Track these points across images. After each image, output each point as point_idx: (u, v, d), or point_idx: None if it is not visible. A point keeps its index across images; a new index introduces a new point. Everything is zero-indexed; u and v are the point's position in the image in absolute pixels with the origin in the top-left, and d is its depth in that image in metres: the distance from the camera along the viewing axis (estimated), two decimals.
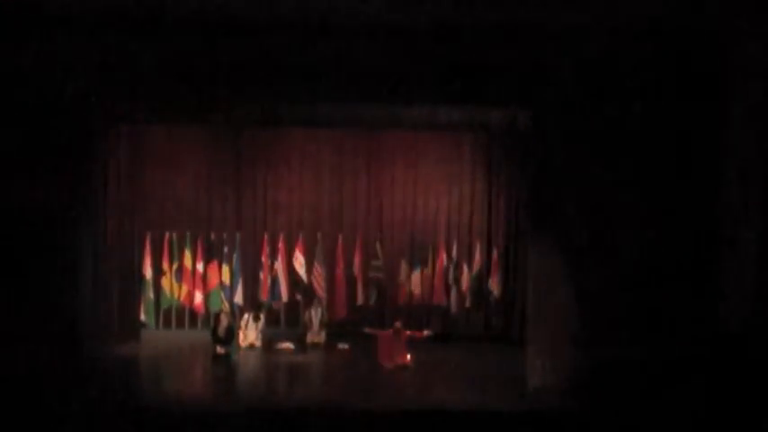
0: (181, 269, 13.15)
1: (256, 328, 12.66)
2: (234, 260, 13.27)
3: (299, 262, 13.31)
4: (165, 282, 13.09)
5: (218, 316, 12.39)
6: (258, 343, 12.62)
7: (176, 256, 13.17)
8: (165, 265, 13.09)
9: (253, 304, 13.20)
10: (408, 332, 11.54)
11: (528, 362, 10.02)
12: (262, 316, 12.82)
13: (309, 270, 13.31)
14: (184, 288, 13.16)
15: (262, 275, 13.30)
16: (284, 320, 13.55)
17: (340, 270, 13.37)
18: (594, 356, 9.40)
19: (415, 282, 13.45)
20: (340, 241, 13.44)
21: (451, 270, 13.54)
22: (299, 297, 13.37)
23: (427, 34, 9.13)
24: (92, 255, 10.69)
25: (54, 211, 9.67)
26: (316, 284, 13.26)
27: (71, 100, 9.63)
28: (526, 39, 9.16)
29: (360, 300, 13.45)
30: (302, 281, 13.32)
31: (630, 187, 9.48)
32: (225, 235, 13.35)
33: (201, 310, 13.22)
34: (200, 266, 13.16)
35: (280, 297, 13.30)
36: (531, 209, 10.49)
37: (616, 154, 9.52)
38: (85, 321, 10.39)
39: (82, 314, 10.28)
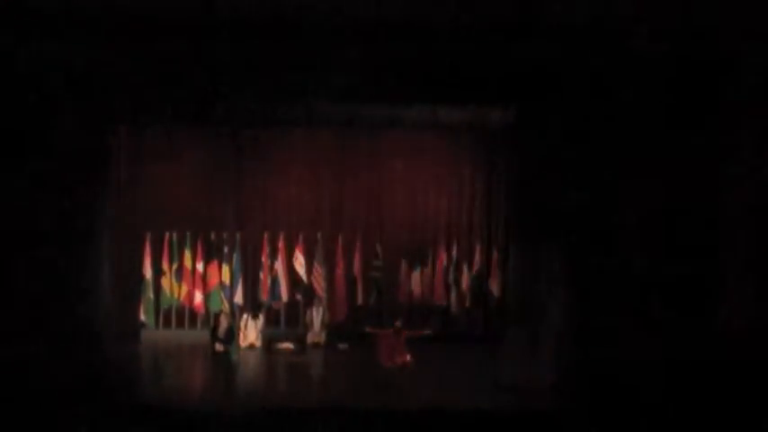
0: (181, 269, 13.16)
1: (256, 327, 12.68)
2: (234, 260, 13.28)
3: (299, 262, 13.31)
4: (165, 282, 13.10)
5: (217, 316, 12.40)
6: (258, 343, 12.63)
7: (176, 256, 13.18)
8: (165, 265, 13.10)
9: (253, 304, 13.21)
10: (408, 332, 11.54)
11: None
12: (261, 315, 12.84)
13: (309, 270, 13.32)
14: (184, 288, 13.16)
15: (262, 275, 13.31)
16: (284, 320, 13.56)
17: (340, 270, 13.38)
18: (590, 357, 9.41)
19: (415, 282, 13.46)
20: (340, 241, 13.45)
21: (451, 270, 13.56)
22: (299, 297, 13.39)
23: (426, 34, 9.13)
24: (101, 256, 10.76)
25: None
26: (316, 284, 13.26)
27: (81, 102, 9.67)
28: (518, 38, 9.17)
29: (360, 300, 13.46)
30: (302, 281, 13.33)
31: (626, 186, 9.47)
32: (225, 235, 13.36)
33: (201, 310, 13.23)
34: (200, 266, 13.18)
35: (280, 297, 13.31)
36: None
37: (609, 153, 9.51)
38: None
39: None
